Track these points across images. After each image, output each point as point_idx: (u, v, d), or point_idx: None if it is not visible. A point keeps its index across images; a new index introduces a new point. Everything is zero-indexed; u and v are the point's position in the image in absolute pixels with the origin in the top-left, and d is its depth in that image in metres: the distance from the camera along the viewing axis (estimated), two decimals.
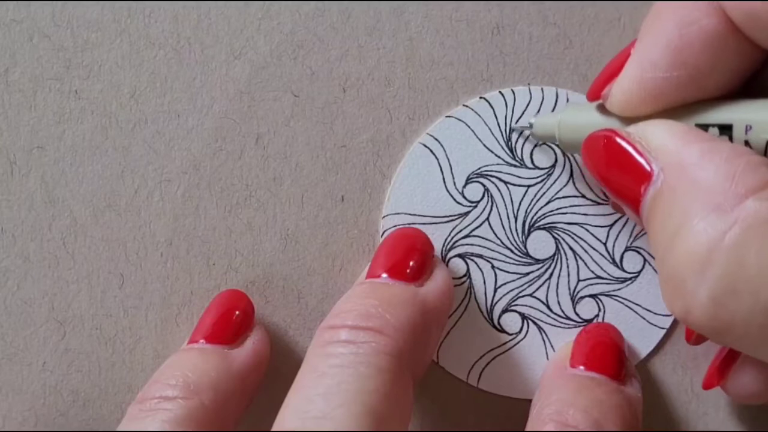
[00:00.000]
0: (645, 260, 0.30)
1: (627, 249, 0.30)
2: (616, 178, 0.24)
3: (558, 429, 0.25)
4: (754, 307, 0.20)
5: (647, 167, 0.23)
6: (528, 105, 0.29)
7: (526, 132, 0.29)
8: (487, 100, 0.30)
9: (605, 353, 0.28)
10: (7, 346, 0.30)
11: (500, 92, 0.29)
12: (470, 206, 0.30)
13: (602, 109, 0.26)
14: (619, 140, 0.24)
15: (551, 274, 0.30)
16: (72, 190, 0.30)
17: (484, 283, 0.30)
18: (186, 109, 0.30)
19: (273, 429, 0.24)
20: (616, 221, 0.30)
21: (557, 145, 0.29)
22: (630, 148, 0.24)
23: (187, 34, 0.30)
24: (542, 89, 0.29)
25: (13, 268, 0.30)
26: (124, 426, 0.26)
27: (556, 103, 0.29)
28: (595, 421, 0.25)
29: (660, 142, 0.23)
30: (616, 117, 0.26)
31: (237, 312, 0.29)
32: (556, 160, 0.30)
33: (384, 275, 0.27)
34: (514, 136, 0.30)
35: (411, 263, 0.27)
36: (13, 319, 0.30)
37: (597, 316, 0.30)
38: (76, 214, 0.30)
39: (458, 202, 0.30)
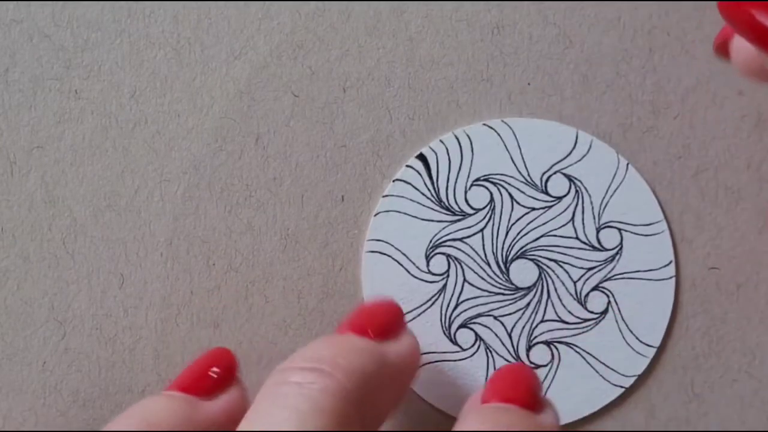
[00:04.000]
0: (609, 302, 0.30)
1: (594, 288, 0.29)
2: None
3: None
4: None
5: None
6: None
7: None
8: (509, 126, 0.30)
9: (516, 384, 0.27)
10: (7, 346, 0.30)
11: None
12: (471, 212, 0.30)
13: None
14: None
15: (527, 305, 0.30)
16: (72, 190, 0.30)
17: (454, 289, 0.30)
18: (186, 109, 0.30)
19: None
20: (595, 267, 0.30)
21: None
22: None
23: (187, 34, 0.30)
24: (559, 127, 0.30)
25: (13, 268, 0.30)
26: None
27: (576, 142, 0.30)
28: None
29: None
30: None
31: (215, 369, 0.28)
32: (567, 193, 0.29)
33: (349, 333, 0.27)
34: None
35: (380, 324, 0.27)
36: (13, 319, 0.30)
37: (550, 363, 0.30)
38: (76, 214, 0.30)
39: (460, 208, 0.30)
